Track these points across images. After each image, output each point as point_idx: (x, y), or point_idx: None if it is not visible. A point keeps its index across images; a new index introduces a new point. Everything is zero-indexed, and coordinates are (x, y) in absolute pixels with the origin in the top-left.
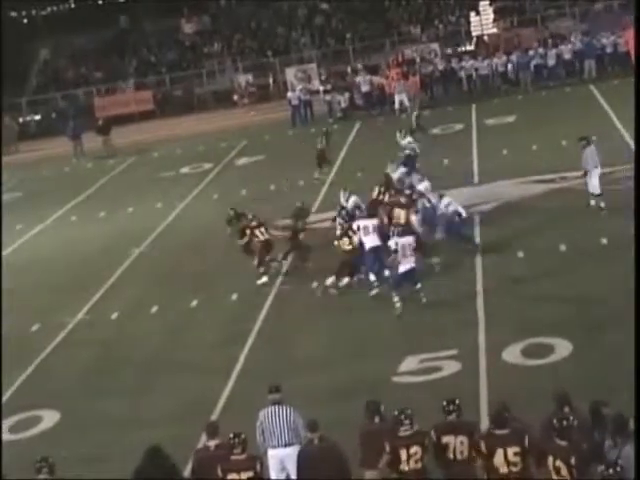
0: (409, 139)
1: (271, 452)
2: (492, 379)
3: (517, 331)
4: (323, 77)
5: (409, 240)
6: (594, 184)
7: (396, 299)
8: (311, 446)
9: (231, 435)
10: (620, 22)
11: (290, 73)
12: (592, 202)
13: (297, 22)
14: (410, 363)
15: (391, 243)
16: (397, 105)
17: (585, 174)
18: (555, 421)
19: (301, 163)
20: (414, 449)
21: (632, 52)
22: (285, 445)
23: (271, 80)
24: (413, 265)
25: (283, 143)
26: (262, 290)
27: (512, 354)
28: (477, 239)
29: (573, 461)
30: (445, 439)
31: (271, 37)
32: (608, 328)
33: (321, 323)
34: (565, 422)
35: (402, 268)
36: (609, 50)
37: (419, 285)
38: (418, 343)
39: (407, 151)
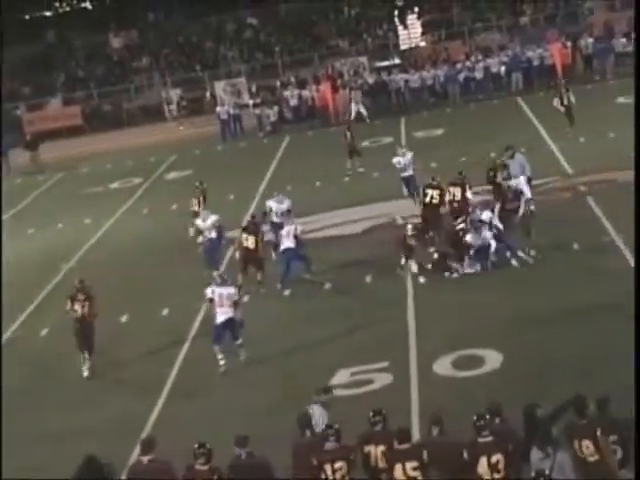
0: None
1: None
2: (423, 391)
3: (447, 343)
4: (252, 91)
5: (229, 290)
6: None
7: (220, 356)
8: (239, 461)
9: (196, 445)
10: (546, 36)
11: (219, 87)
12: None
13: (226, 36)
14: (342, 376)
15: (208, 291)
16: (353, 114)
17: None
18: (475, 419)
19: (231, 177)
20: (339, 464)
21: (558, 65)
22: None
23: (208, 94)
24: (231, 316)
25: (213, 157)
26: (193, 305)
27: (443, 366)
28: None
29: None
30: (367, 449)
31: (200, 51)
32: (538, 338)
33: (248, 337)
34: (483, 421)
35: (218, 319)
36: (535, 63)
37: (239, 341)
38: (349, 356)
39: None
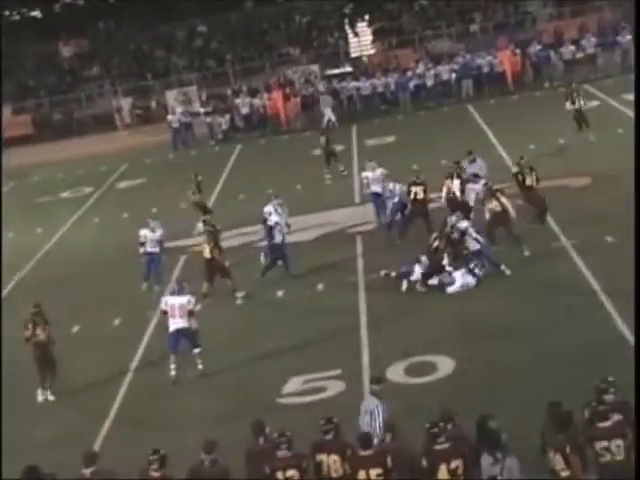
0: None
1: None
2: None
3: (400, 350)
4: (203, 99)
5: (181, 300)
6: (472, 197)
7: (172, 365)
8: (200, 467)
9: (150, 451)
10: (495, 43)
11: (170, 96)
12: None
13: (176, 45)
14: (294, 384)
15: (162, 302)
16: (326, 120)
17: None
18: (429, 427)
19: (182, 186)
20: (291, 472)
21: (508, 71)
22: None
23: (154, 103)
24: (183, 326)
25: (164, 166)
26: (145, 314)
27: (395, 373)
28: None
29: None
30: (319, 457)
31: (151, 60)
32: (489, 344)
33: (205, 345)
34: (437, 428)
35: (170, 329)
36: (485, 70)
37: (198, 349)
38: (302, 364)
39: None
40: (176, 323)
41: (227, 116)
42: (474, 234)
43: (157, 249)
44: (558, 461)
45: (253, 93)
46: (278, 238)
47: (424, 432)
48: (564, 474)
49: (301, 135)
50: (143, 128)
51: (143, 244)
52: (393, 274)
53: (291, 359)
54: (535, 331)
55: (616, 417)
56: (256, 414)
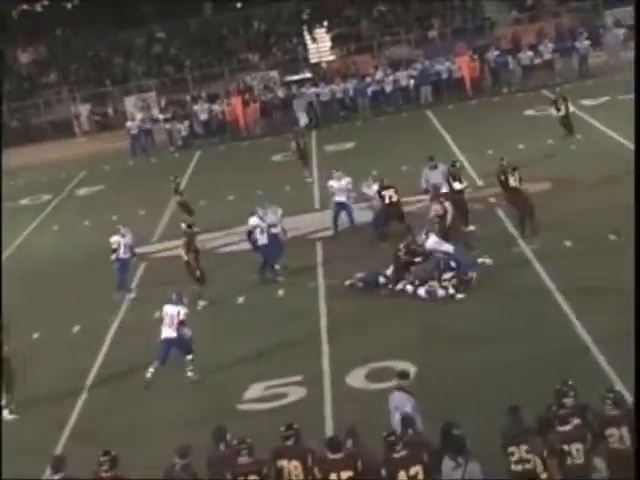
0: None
1: None
2: (337, 404)
3: (361, 355)
4: (162, 106)
5: (172, 311)
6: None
7: (150, 370)
8: (172, 471)
9: (100, 452)
10: (454, 49)
11: (129, 102)
12: None
13: (135, 51)
14: (255, 390)
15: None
16: (302, 123)
17: (427, 192)
18: (385, 435)
19: (142, 192)
20: (252, 478)
21: (466, 77)
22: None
23: (112, 110)
24: (171, 335)
25: (123, 173)
26: (105, 321)
27: (356, 378)
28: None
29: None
30: (280, 463)
31: (109, 66)
32: (451, 350)
33: None
34: (393, 436)
35: (161, 336)
36: (444, 76)
37: (190, 356)
38: (263, 370)
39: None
40: (165, 332)
41: (186, 122)
42: (443, 248)
43: (129, 255)
44: (537, 464)
45: (212, 99)
46: (260, 240)
47: (382, 440)
48: (543, 477)
49: (260, 141)
50: (102, 135)
51: (115, 250)
52: (360, 285)
53: (252, 365)
54: (497, 337)
55: (576, 421)
56: (217, 420)
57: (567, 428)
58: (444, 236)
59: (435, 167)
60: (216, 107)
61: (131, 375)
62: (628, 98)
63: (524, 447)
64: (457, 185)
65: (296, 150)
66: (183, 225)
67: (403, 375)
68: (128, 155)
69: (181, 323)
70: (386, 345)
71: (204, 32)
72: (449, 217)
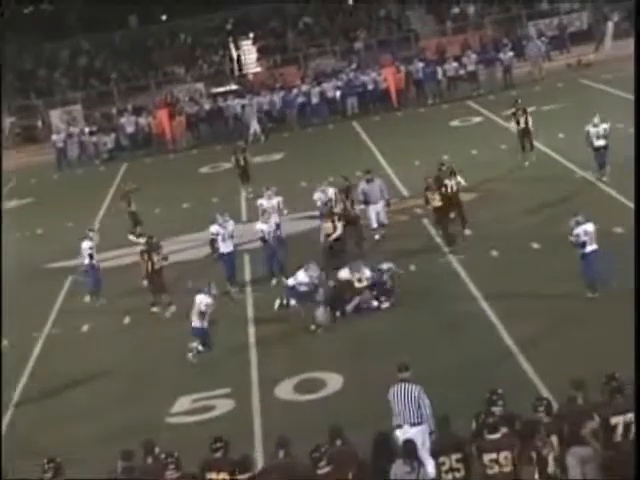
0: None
1: (397, 432)
2: (266, 416)
3: (289, 367)
4: (88, 119)
5: (197, 299)
6: (372, 217)
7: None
8: (116, 474)
9: (45, 460)
10: (379, 60)
11: (55, 115)
12: (376, 236)
13: (60, 63)
14: (183, 403)
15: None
16: (251, 132)
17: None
18: (311, 451)
19: (69, 205)
20: None
21: (392, 88)
22: (411, 425)
23: (40, 122)
24: (194, 325)
25: (50, 186)
26: (32, 335)
27: (285, 390)
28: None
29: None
30: (208, 476)
31: (34, 79)
32: (376, 360)
33: (90, 367)
34: (317, 452)
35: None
36: (370, 87)
37: (201, 348)
38: (190, 383)
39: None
40: (193, 320)
41: (112, 135)
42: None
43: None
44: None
45: (138, 112)
46: (223, 248)
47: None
48: None
49: (187, 153)
50: (28, 147)
51: (91, 256)
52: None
53: (180, 378)
54: (424, 346)
55: (504, 429)
56: (146, 433)
57: (496, 436)
58: (335, 253)
59: (371, 180)
60: (142, 120)
61: (59, 390)
62: (552, 108)
63: (454, 456)
64: (449, 187)
65: (236, 166)
66: (132, 237)
67: (405, 367)
68: (54, 168)
69: (201, 314)
70: (314, 357)
71: (130, 44)
72: (334, 235)
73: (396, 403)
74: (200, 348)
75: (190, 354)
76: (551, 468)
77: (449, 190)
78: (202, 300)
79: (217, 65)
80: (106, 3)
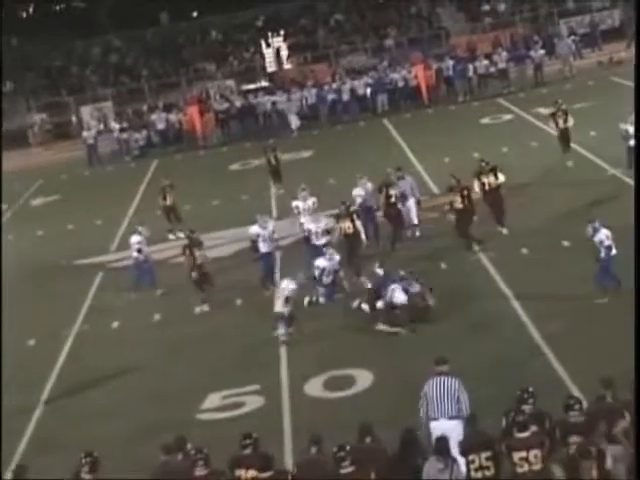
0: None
1: (433, 424)
2: (295, 413)
3: (318, 364)
4: (119, 115)
5: (285, 284)
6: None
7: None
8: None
9: (82, 454)
10: (410, 57)
11: (86, 112)
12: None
13: (91, 60)
14: (213, 400)
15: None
16: (293, 126)
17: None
18: (335, 451)
19: (99, 202)
20: None
21: (422, 86)
22: (449, 418)
23: (74, 118)
24: (277, 310)
25: (80, 182)
26: (59, 334)
27: (314, 387)
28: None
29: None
30: (237, 472)
31: (65, 76)
32: (406, 357)
33: (120, 364)
34: (342, 452)
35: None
36: (400, 84)
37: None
38: (220, 380)
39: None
40: (276, 306)
41: (143, 132)
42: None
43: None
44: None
45: (169, 109)
46: (263, 249)
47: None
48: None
49: (218, 150)
50: (58, 144)
51: (139, 250)
52: (322, 299)
53: (209, 375)
54: (454, 344)
55: (534, 427)
56: (176, 430)
57: (526, 435)
58: (350, 256)
59: (402, 178)
60: (173, 116)
61: (89, 387)
62: (582, 106)
63: (484, 454)
64: (492, 180)
65: (267, 165)
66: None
67: (441, 361)
68: (84, 164)
69: (286, 299)
70: (344, 354)
71: (160, 41)
72: (363, 236)
73: (433, 396)
74: (283, 332)
75: (282, 338)
76: (609, 463)
77: (487, 187)
78: (287, 285)
79: (248, 62)
80: (137, 0)
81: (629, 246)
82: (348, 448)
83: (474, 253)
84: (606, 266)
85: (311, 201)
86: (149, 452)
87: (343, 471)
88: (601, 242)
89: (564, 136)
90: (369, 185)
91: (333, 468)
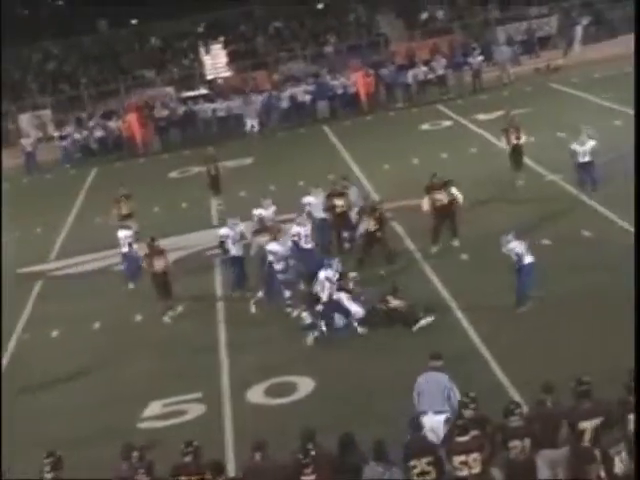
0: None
1: (423, 418)
2: (237, 420)
3: (260, 371)
4: (58, 123)
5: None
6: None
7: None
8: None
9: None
10: (349, 64)
11: (24, 119)
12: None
13: (29, 68)
14: (154, 408)
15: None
16: (249, 128)
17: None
18: (300, 458)
19: (38, 210)
20: None
21: (362, 92)
22: (436, 412)
23: (12, 126)
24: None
25: (18, 190)
26: (4, 339)
27: (256, 394)
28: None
29: None
30: None
31: (3, 83)
32: (348, 363)
33: (60, 373)
34: (306, 459)
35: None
36: (340, 91)
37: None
38: (161, 388)
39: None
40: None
41: (82, 139)
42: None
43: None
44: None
45: (108, 116)
46: (232, 251)
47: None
48: None
49: (157, 158)
50: None
51: (130, 244)
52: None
53: (151, 383)
54: (395, 349)
55: (474, 431)
56: (117, 439)
57: (466, 439)
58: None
59: (347, 187)
60: (112, 124)
61: (29, 395)
62: (521, 112)
63: (425, 459)
64: (444, 196)
65: (207, 177)
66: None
67: (436, 356)
68: (23, 172)
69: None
70: (285, 360)
71: (99, 48)
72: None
73: (424, 390)
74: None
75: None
76: (618, 468)
77: (437, 204)
78: (327, 275)
79: (187, 69)
80: (75, 7)
81: (569, 251)
82: (311, 455)
83: (415, 259)
84: (522, 276)
85: (272, 210)
86: (89, 460)
87: (305, 478)
88: (513, 252)
89: (516, 153)
90: (321, 195)
91: (286, 472)
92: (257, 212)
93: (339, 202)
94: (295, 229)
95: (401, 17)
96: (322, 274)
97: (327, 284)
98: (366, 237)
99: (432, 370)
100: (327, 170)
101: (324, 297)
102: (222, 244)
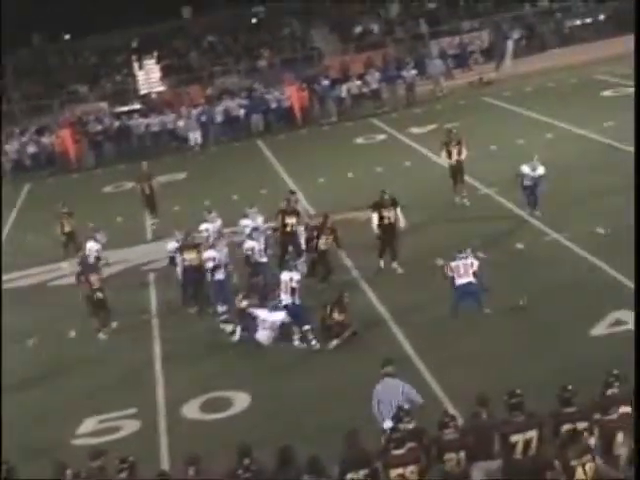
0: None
1: (384, 424)
2: (172, 436)
3: (195, 386)
4: None
5: (287, 277)
6: None
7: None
8: None
9: None
10: (283, 78)
11: None
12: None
13: None
14: (88, 425)
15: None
16: (192, 142)
17: None
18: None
19: None
20: None
21: (296, 106)
22: (392, 418)
23: None
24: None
25: None
26: None
27: (191, 409)
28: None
29: None
30: None
31: None
32: (283, 378)
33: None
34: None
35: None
36: (274, 105)
37: (307, 327)
38: (96, 404)
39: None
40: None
41: (14, 155)
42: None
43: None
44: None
45: (41, 132)
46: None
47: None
48: None
49: (91, 173)
50: None
51: (98, 258)
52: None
53: (86, 399)
54: (327, 360)
55: (410, 444)
56: (51, 456)
57: (402, 451)
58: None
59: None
60: (45, 139)
61: None
62: (454, 125)
63: (362, 472)
64: (387, 217)
65: (141, 195)
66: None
67: (387, 362)
68: None
69: (292, 290)
70: (220, 375)
71: (32, 63)
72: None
73: (382, 397)
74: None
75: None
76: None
77: (386, 222)
78: (291, 277)
79: (121, 84)
80: (8, 21)
81: (505, 264)
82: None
83: (348, 273)
84: (463, 293)
85: (219, 223)
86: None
87: None
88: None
89: (457, 170)
90: (259, 219)
91: None
92: (204, 227)
93: (290, 220)
94: (249, 243)
95: (335, 31)
96: (286, 275)
97: (291, 285)
98: (319, 255)
99: (386, 377)
100: (261, 184)
101: (286, 299)
102: (172, 259)
